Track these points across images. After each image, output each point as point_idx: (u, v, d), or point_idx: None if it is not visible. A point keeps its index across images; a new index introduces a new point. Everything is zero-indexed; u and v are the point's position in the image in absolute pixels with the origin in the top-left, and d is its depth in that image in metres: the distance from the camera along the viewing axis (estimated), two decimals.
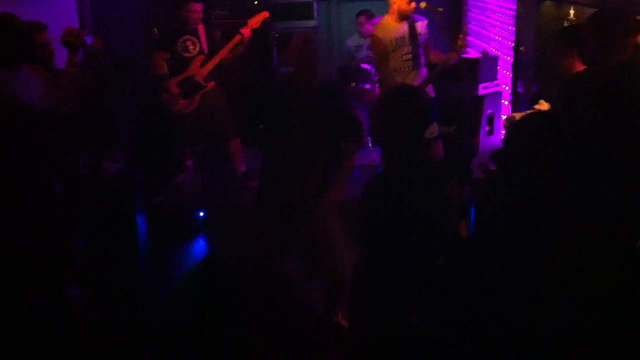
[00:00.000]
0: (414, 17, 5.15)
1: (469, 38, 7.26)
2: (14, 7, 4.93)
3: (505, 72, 6.33)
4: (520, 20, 5.41)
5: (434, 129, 5.22)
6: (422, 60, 5.24)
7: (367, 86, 6.71)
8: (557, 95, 4.04)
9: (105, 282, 4.10)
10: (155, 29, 5.76)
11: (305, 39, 3.80)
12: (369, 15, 6.92)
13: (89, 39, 4.06)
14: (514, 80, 5.56)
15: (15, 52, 3.41)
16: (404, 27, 5.12)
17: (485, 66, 6.20)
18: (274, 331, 3.84)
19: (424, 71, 5.26)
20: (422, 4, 5.19)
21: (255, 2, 6.92)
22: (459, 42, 5.13)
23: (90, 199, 4.22)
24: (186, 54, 5.70)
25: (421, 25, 5.20)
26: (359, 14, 7.01)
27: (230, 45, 5.64)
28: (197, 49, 5.72)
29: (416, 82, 5.15)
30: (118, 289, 4.06)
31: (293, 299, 4.06)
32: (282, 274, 4.02)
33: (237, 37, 5.60)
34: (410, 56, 5.16)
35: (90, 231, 4.18)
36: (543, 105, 4.67)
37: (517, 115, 4.93)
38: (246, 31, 5.61)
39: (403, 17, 5.10)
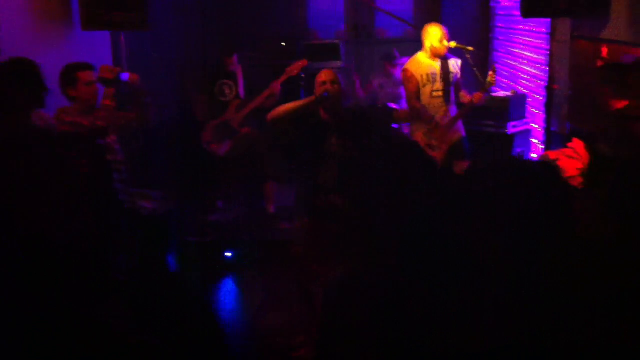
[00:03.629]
0: (447, 56, 5.22)
1: (497, 77, 7.29)
2: (51, 48, 5.05)
3: (534, 110, 6.32)
4: (553, 58, 5.41)
5: (463, 167, 5.25)
6: (453, 98, 5.33)
7: (395, 125, 6.73)
8: (600, 134, 4.02)
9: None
10: (188, 71, 5.88)
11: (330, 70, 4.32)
12: (392, 60, 7.02)
13: (124, 76, 4.19)
14: (547, 118, 5.53)
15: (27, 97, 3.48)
16: (436, 64, 5.23)
17: (514, 104, 6.19)
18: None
19: (453, 109, 5.33)
20: (452, 44, 5.25)
21: (283, 44, 7.02)
22: (488, 79, 5.16)
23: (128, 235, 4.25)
24: (222, 98, 5.78)
25: (454, 65, 5.28)
26: (383, 58, 7.13)
27: (264, 95, 5.73)
28: (234, 93, 5.81)
29: (445, 120, 5.22)
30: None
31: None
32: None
33: (267, 92, 5.68)
34: (440, 93, 5.26)
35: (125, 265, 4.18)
36: (578, 143, 4.63)
37: (551, 154, 4.91)
38: (276, 86, 5.69)
39: (436, 55, 5.18)
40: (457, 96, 5.37)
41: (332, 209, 3.94)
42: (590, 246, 1.83)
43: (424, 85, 5.23)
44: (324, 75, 4.22)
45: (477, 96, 5.18)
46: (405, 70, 5.33)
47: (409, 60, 5.42)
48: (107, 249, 3.75)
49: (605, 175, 3.70)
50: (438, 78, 5.22)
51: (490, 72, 5.19)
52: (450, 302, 1.69)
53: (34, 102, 3.52)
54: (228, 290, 5.22)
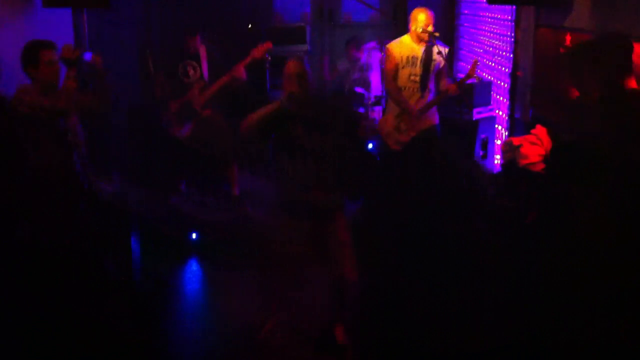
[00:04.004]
0: (435, 43, 5.17)
1: (461, 64, 7.35)
2: (11, 27, 4.86)
3: (498, 97, 6.38)
4: (518, 46, 5.46)
5: (434, 154, 5.28)
6: (432, 85, 5.30)
7: (361, 109, 6.74)
8: (561, 120, 4.07)
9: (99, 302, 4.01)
10: (148, 51, 5.74)
11: (298, 62, 4.03)
12: (358, 43, 7.01)
13: (87, 56, 4.08)
14: (512, 105, 5.59)
15: None
16: (419, 49, 5.21)
17: (479, 91, 6.24)
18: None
19: (429, 96, 5.30)
20: (418, 29, 5.23)
21: (250, 26, 6.93)
22: (470, 72, 5.18)
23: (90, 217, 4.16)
24: (186, 79, 5.67)
25: (440, 52, 5.19)
26: (348, 42, 7.11)
27: (227, 78, 5.61)
28: (197, 74, 5.70)
29: (418, 105, 5.21)
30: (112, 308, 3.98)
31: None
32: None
33: (230, 74, 5.57)
34: (417, 78, 5.23)
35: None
36: (540, 130, 4.70)
37: (515, 140, 4.97)
38: (239, 68, 5.56)
39: (419, 39, 5.19)
40: (437, 84, 5.33)
41: (331, 208, 3.89)
42: (590, 246, 1.84)
43: (403, 67, 5.21)
44: (290, 68, 3.96)
45: (452, 88, 5.19)
46: (386, 49, 5.32)
47: (393, 40, 5.37)
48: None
49: (605, 175, 3.73)
50: (418, 62, 5.19)
51: (472, 66, 5.23)
52: (450, 302, 1.69)
53: None
54: (192, 277, 5.17)
